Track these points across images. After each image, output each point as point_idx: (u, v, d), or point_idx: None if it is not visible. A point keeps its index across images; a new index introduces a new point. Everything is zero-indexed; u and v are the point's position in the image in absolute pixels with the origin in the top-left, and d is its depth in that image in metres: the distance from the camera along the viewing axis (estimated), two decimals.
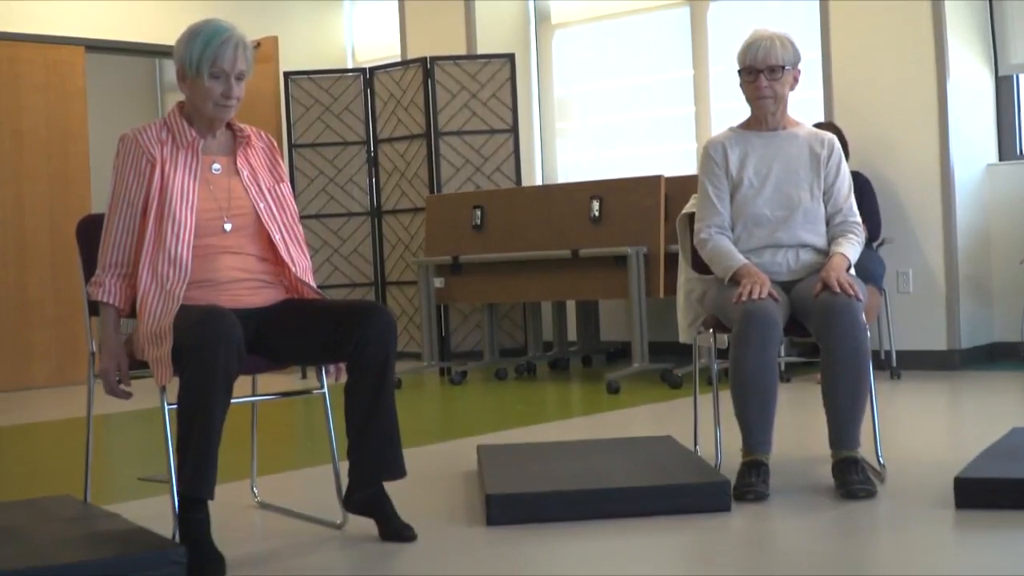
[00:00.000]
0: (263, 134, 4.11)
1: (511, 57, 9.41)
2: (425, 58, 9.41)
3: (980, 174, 7.94)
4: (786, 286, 4.45)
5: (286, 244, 3.97)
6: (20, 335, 9.27)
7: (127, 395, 3.86)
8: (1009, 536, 3.49)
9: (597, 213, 8.12)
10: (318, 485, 4.66)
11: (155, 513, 4.15)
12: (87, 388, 4.15)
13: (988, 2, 8.00)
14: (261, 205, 3.93)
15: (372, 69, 9.79)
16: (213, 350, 3.50)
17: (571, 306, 9.28)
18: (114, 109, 12.49)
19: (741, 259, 4.43)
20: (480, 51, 9.76)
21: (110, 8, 9.91)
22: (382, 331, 3.74)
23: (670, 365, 7.66)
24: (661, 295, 7.71)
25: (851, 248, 4.45)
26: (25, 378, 9.25)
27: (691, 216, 4.87)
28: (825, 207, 4.52)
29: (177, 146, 3.88)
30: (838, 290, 4.17)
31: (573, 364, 9.12)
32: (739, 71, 4.49)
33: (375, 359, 3.74)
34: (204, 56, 3.80)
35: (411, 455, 5.34)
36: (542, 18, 10.17)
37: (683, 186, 7.59)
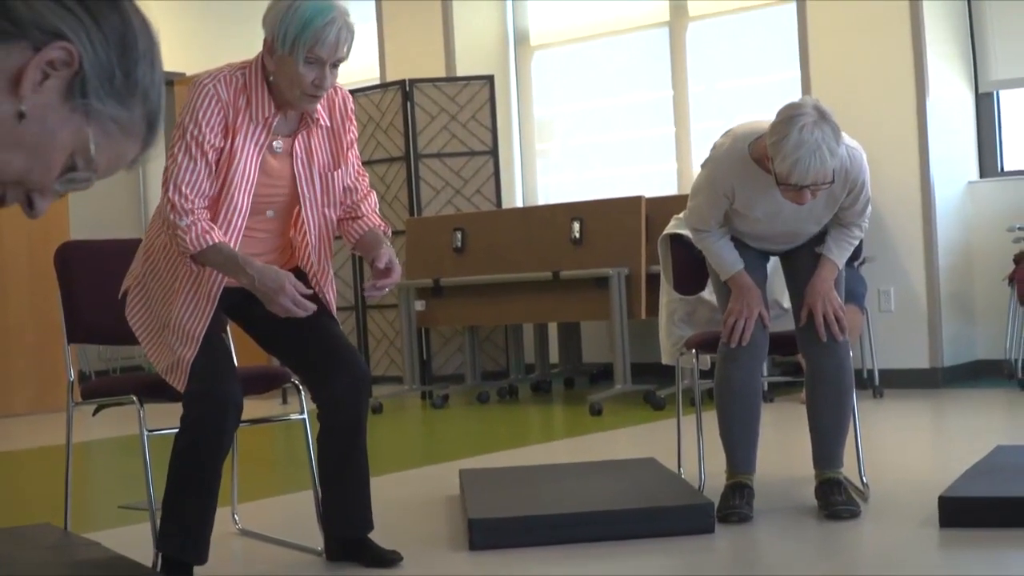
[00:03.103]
0: (339, 101, 3.71)
1: (490, 79, 9.42)
2: (404, 80, 9.42)
3: (961, 191, 7.97)
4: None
5: (320, 248, 3.72)
6: None
7: (312, 307, 3.48)
8: (994, 555, 3.50)
9: (578, 235, 8.13)
10: (299, 511, 4.65)
11: (136, 541, 4.13)
12: (66, 415, 4.14)
13: (968, 19, 8.05)
14: (307, 193, 3.64)
15: (351, 92, 9.78)
16: (221, 409, 3.45)
17: (553, 328, 9.28)
18: None
19: (735, 264, 4.28)
20: (459, 73, 9.78)
21: None
22: (355, 392, 3.67)
23: (653, 387, 7.66)
24: (643, 316, 7.72)
25: (845, 249, 4.28)
26: (3, 406, 9.21)
27: (672, 236, 4.88)
28: (838, 214, 4.27)
29: (251, 116, 3.51)
30: (823, 335, 4.19)
31: (555, 386, 9.12)
32: (778, 183, 3.90)
33: (347, 421, 3.69)
34: (302, 38, 3.38)
35: (393, 480, 5.36)
36: (521, 39, 10.20)
37: (664, 207, 7.61)
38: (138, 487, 4.82)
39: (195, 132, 3.44)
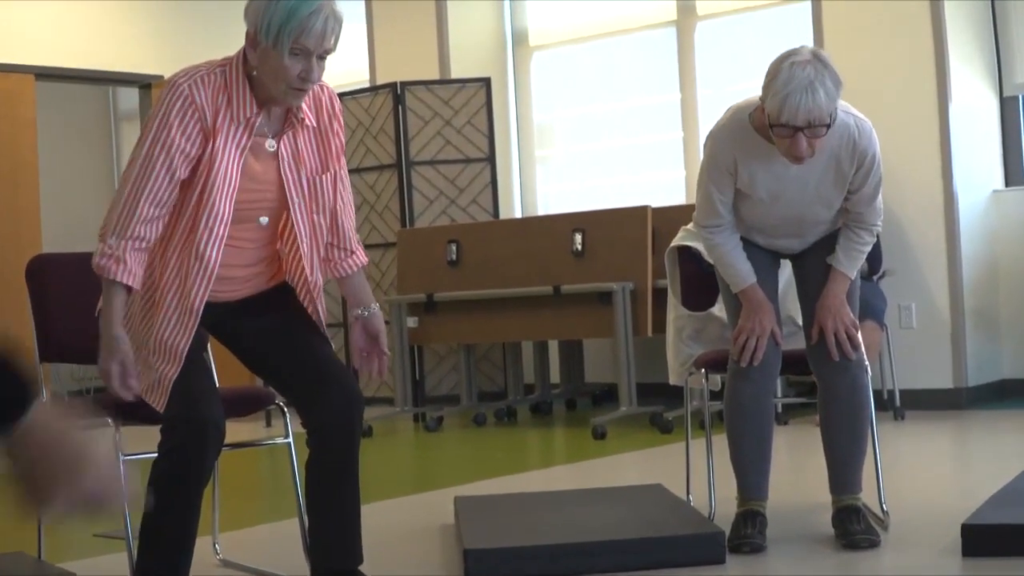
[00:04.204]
0: (326, 100, 3.66)
1: (487, 81, 9.44)
2: (395, 83, 9.44)
3: (985, 201, 7.99)
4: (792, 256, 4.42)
5: (312, 257, 3.66)
6: None
7: (135, 393, 3.43)
8: None
9: (580, 247, 8.14)
10: (284, 541, 4.65)
11: (112, 571, 4.14)
12: None
13: (992, 19, 8.07)
14: (295, 199, 3.57)
15: (340, 95, 9.79)
16: (201, 434, 3.43)
17: (553, 346, 9.29)
18: (66, 139, 12.51)
19: (747, 278, 4.25)
20: (454, 75, 9.79)
21: (61, 34, 9.92)
22: (347, 415, 3.63)
23: (660, 408, 7.67)
24: (649, 334, 7.73)
25: (855, 258, 4.24)
26: None
27: (680, 248, 4.89)
28: (847, 201, 4.21)
29: (231, 117, 3.42)
30: (835, 354, 4.19)
31: (556, 408, 9.12)
32: (771, 124, 3.92)
33: (338, 446, 3.66)
34: (287, 27, 3.30)
35: (385, 508, 5.36)
36: (520, 39, 10.21)
37: (672, 217, 7.61)
38: (114, 514, 4.82)
39: (165, 138, 3.38)
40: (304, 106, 3.57)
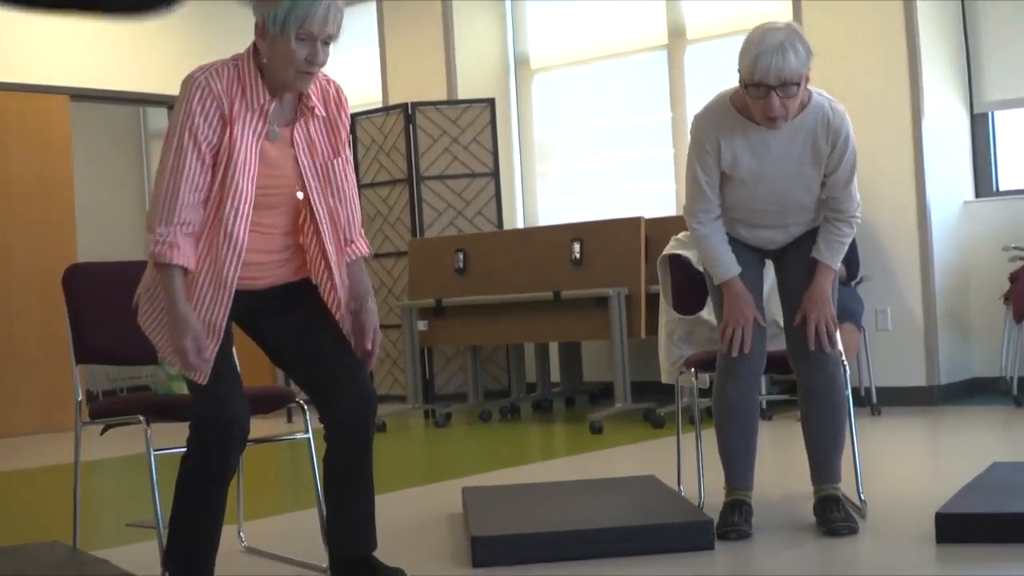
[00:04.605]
0: (333, 92, 3.67)
1: (491, 102, 9.44)
2: (406, 103, 9.44)
3: (957, 211, 7.98)
4: (773, 253, 4.35)
5: (333, 246, 3.63)
6: (7, 382, 9.23)
7: (209, 366, 3.42)
8: (991, 571, 3.50)
9: (578, 255, 8.13)
10: (304, 529, 4.65)
11: (143, 559, 4.13)
12: (74, 434, 4.14)
13: (964, 41, 8.06)
14: (311, 183, 3.57)
15: (354, 115, 9.81)
16: (227, 434, 3.43)
17: (554, 347, 9.28)
18: (99, 157, 12.51)
19: (731, 270, 4.20)
20: (461, 96, 9.80)
21: (95, 57, 9.93)
22: (361, 415, 3.64)
23: (652, 405, 7.66)
24: (643, 335, 7.72)
25: (836, 250, 4.19)
26: (13, 425, 9.21)
27: (671, 256, 4.89)
28: (822, 187, 4.17)
29: (247, 105, 3.45)
30: (812, 343, 4.17)
31: (556, 405, 9.11)
32: (743, 81, 3.95)
33: (353, 442, 3.66)
34: (292, 15, 3.36)
35: (396, 498, 5.35)
36: (521, 63, 10.22)
37: (663, 227, 7.62)
38: (145, 505, 4.82)
39: (191, 126, 3.40)
40: (313, 97, 3.58)
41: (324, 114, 3.63)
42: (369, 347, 3.67)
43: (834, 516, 4.09)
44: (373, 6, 10.55)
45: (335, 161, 3.63)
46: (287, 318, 3.67)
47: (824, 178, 4.14)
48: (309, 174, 3.58)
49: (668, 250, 5.01)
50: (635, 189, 9.52)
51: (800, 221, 4.25)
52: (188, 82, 3.43)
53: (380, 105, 10.13)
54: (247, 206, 3.45)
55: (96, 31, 9.85)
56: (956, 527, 3.81)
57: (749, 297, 4.20)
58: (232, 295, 3.47)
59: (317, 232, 3.62)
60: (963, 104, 8.07)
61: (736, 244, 4.26)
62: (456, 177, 9.39)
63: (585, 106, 9.87)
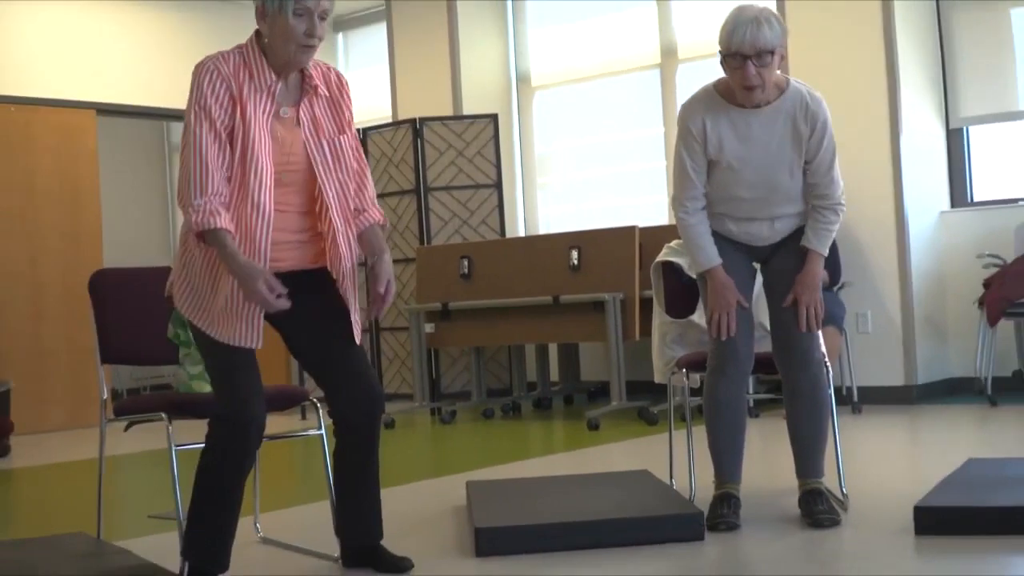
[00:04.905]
0: (333, 76, 3.69)
1: (494, 117, 9.44)
2: (414, 119, 9.43)
3: (933, 221, 7.97)
4: (760, 251, 4.28)
5: (343, 222, 3.63)
6: (36, 381, 9.22)
7: (287, 304, 3.41)
8: (966, 561, 3.49)
9: (576, 262, 8.13)
10: (317, 520, 4.64)
11: (164, 549, 4.12)
12: (99, 431, 4.13)
13: (940, 61, 8.06)
14: (318, 158, 3.58)
15: (366, 129, 9.81)
16: (245, 432, 3.43)
17: (553, 349, 9.28)
18: (124, 169, 12.50)
19: (712, 259, 4.18)
20: (466, 112, 9.79)
21: (121, 74, 9.93)
22: (367, 414, 3.65)
23: (646, 403, 7.65)
24: (637, 337, 7.72)
25: (824, 237, 4.15)
26: (41, 422, 9.20)
27: (664, 264, 4.88)
28: (805, 175, 4.14)
29: (255, 87, 3.48)
30: (804, 325, 4.16)
31: (556, 403, 9.10)
32: (722, 56, 3.98)
33: (360, 438, 3.68)
34: None
35: (404, 491, 5.35)
36: (523, 80, 10.21)
37: (656, 236, 7.61)
38: (166, 498, 4.81)
39: (204, 105, 3.41)
40: (316, 78, 3.60)
41: (327, 94, 3.65)
42: (382, 292, 3.65)
43: (818, 509, 4.08)
44: (383, 27, 10.56)
45: (340, 138, 3.65)
46: (305, 308, 3.63)
47: (806, 164, 4.12)
48: (315, 150, 3.58)
49: (661, 257, 5.00)
50: (630, 200, 9.52)
51: (785, 213, 4.20)
52: (198, 68, 3.46)
53: (390, 120, 10.12)
54: (269, 179, 3.45)
55: (122, 49, 9.85)
56: (933, 520, 3.80)
57: (731, 283, 4.17)
58: (267, 263, 3.45)
59: (326, 208, 3.60)
60: (939, 120, 8.07)
61: (726, 247, 4.23)
62: (461, 188, 9.39)
63: (583, 121, 9.86)
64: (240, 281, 3.38)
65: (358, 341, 3.70)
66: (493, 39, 10.17)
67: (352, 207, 3.70)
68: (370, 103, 10.99)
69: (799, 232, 4.22)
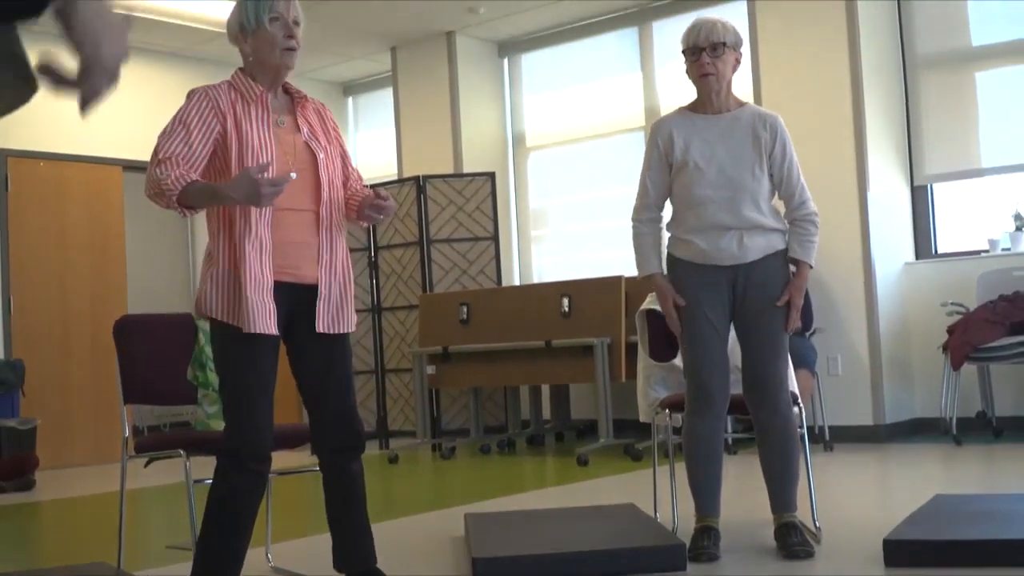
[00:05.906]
0: (317, 104, 3.71)
1: (492, 175, 9.46)
2: (418, 176, 9.45)
3: (899, 271, 7.98)
4: (729, 272, 4.19)
5: (332, 206, 3.58)
6: (63, 418, 9.19)
7: (288, 178, 3.34)
8: None
9: (567, 309, 8.12)
10: (327, 550, 4.60)
11: None
12: (121, 466, 4.11)
13: (906, 121, 8.09)
14: (321, 155, 3.55)
15: (373, 186, 9.80)
16: (251, 476, 3.40)
17: (546, 389, 9.25)
18: (148, 221, 12.50)
19: (653, 267, 4.27)
20: (466, 170, 9.82)
21: (146, 132, 9.92)
22: (346, 457, 3.63)
23: (632, 440, 7.62)
24: (623, 379, 7.70)
25: (808, 247, 4.20)
26: (65, 457, 9.16)
27: (648, 311, 4.87)
28: (779, 189, 4.21)
29: (247, 102, 3.49)
30: (797, 323, 4.18)
31: (548, 440, 9.07)
32: (683, 52, 4.14)
33: (340, 478, 3.65)
34: (260, 5, 3.46)
35: (406, 523, 5.31)
36: (519, 141, 10.25)
37: (641, 286, 7.51)
38: (184, 530, 4.77)
39: (186, 119, 3.43)
40: (303, 92, 3.65)
41: (313, 107, 3.68)
42: (384, 201, 3.60)
43: (792, 541, 4.06)
44: (390, 92, 10.61)
45: (331, 147, 3.63)
46: (311, 354, 3.59)
47: (775, 174, 4.18)
48: (317, 149, 3.56)
49: (645, 305, 4.98)
50: (617, 252, 9.51)
51: (753, 224, 4.13)
52: (189, 93, 3.49)
53: (396, 177, 10.15)
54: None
55: (145, 109, 9.87)
56: (902, 552, 3.77)
57: (669, 287, 4.23)
58: (271, 230, 3.41)
59: (320, 201, 3.55)
60: (904, 178, 8.09)
61: (699, 283, 4.19)
62: (461, 240, 9.39)
63: (574, 179, 9.89)
64: (233, 187, 3.31)
65: (352, 329, 3.65)
66: (491, 103, 10.21)
67: (345, 198, 3.69)
68: (377, 161, 11.01)
69: (768, 260, 4.17)
